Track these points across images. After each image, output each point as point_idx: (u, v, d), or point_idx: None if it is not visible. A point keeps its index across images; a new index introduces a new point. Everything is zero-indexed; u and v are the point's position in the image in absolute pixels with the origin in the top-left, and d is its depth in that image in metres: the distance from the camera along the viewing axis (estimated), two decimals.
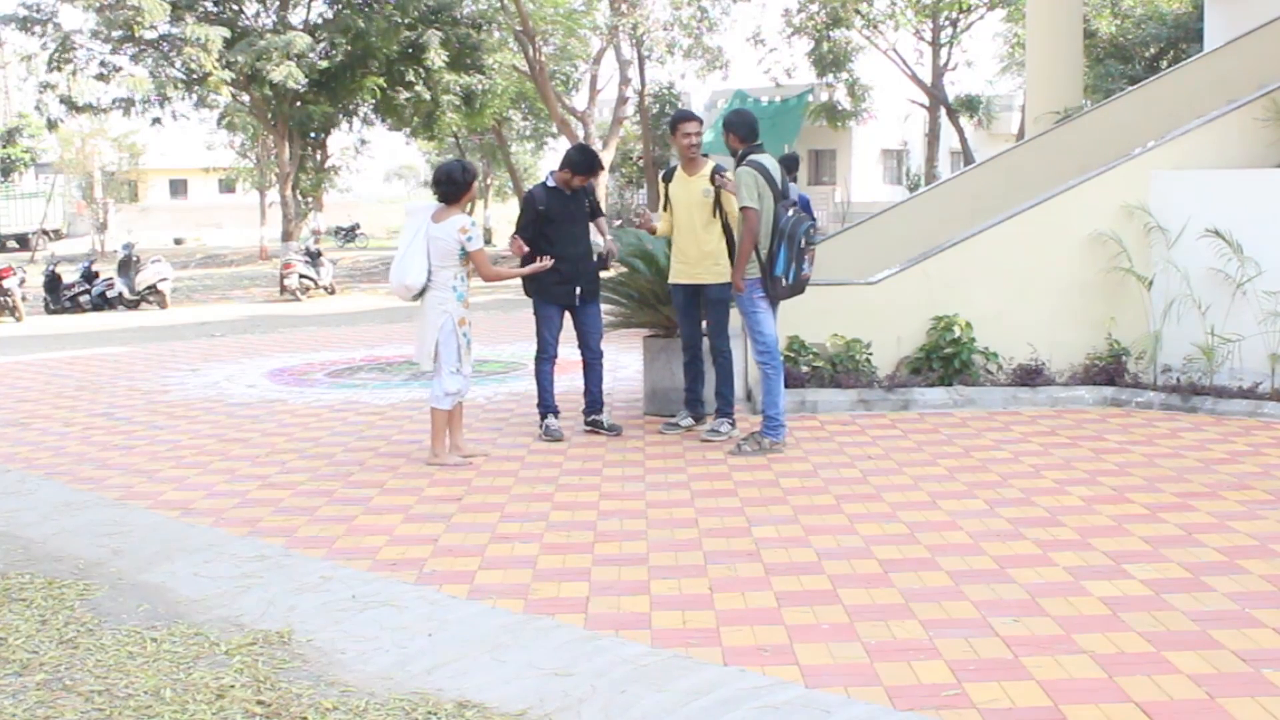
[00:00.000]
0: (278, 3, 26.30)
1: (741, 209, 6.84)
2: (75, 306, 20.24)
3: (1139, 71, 23.25)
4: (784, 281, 6.82)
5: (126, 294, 20.22)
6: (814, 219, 7.42)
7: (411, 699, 3.74)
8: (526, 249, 7.28)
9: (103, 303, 20.28)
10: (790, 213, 6.81)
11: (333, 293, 22.45)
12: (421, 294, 6.77)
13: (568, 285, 7.41)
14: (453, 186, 6.76)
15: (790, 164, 11.24)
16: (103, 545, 5.48)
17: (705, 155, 7.55)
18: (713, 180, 7.22)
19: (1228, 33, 12.53)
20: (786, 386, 7.54)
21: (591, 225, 7.60)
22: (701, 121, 7.49)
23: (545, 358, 7.53)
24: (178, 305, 21.05)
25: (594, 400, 7.65)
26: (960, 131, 31.26)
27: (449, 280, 6.71)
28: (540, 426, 7.60)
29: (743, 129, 7.04)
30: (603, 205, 7.79)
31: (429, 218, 6.76)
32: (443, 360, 6.75)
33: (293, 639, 4.27)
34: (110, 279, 20.53)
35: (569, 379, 8.79)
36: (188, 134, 39.15)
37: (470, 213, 7.19)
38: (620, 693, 3.70)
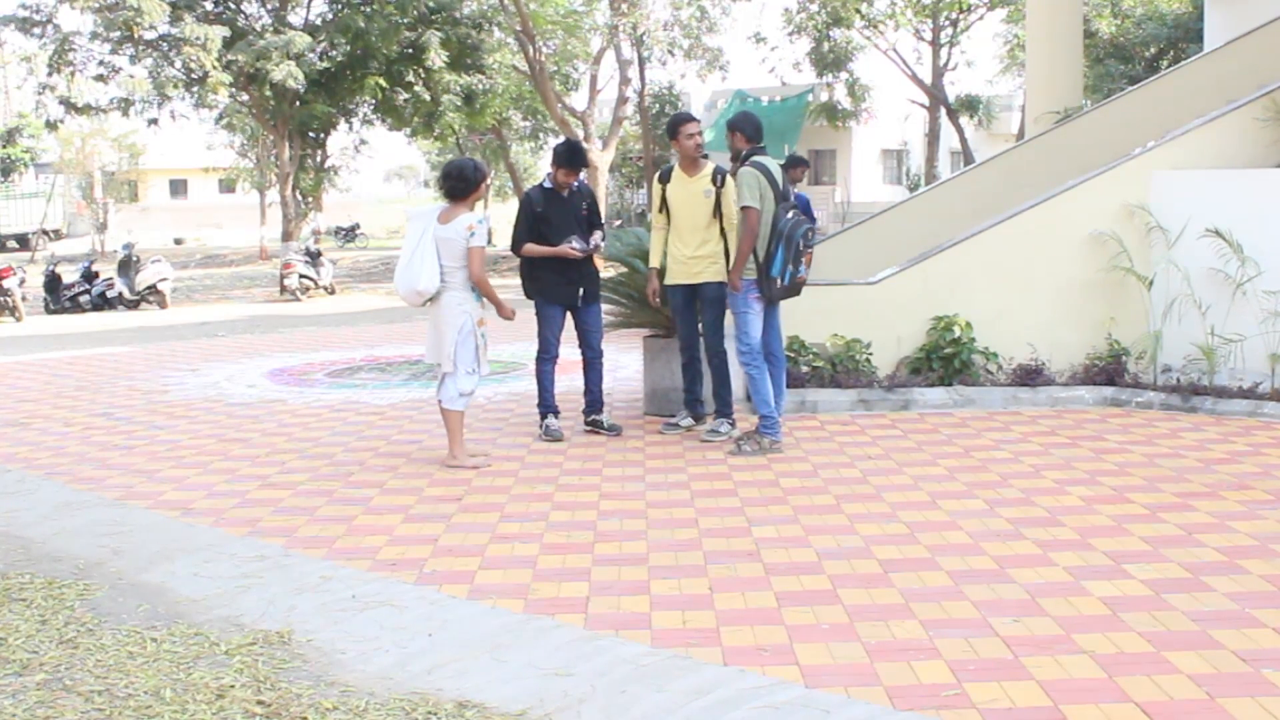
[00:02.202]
0: (276, 3, 26.31)
1: (742, 208, 6.85)
2: (75, 306, 20.23)
3: (1139, 71, 23.27)
4: (779, 283, 6.84)
5: (126, 294, 20.20)
6: (814, 220, 7.41)
7: (411, 699, 3.74)
8: (538, 248, 7.25)
9: (103, 303, 20.27)
10: (790, 214, 6.84)
11: (333, 293, 22.45)
12: (434, 297, 6.71)
13: (571, 286, 7.42)
14: (462, 183, 6.71)
15: (797, 164, 11.35)
16: (103, 545, 5.48)
17: (705, 156, 7.55)
18: (714, 181, 7.22)
19: (1228, 33, 12.53)
20: (788, 386, 7.55)
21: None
22: (699, 120, 7.51)
23: (546, 358, 7.53)
24: (178, 305, 21.05)
25: (594, 400, 7.65)
26: (960, 131, 31.27)
27: (465, 280, 6.66)
28: (540, 426, 7.60)
29: (749, 129, 7.06)
30: (603, 205, 7.77)
31: (434, 220, 6.71)
32: (459, 361, 6.71)
33: (293, 639, 4.27)
34: (110, 279, 20.52)
35: (569, 379, 8.79)
36: (188, 134, 39.25)
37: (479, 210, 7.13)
38: (620, 693, 3.70)
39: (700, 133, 7.35)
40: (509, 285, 17.71)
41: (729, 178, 7.22)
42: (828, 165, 36.30)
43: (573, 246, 7.30)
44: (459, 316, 6.67)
